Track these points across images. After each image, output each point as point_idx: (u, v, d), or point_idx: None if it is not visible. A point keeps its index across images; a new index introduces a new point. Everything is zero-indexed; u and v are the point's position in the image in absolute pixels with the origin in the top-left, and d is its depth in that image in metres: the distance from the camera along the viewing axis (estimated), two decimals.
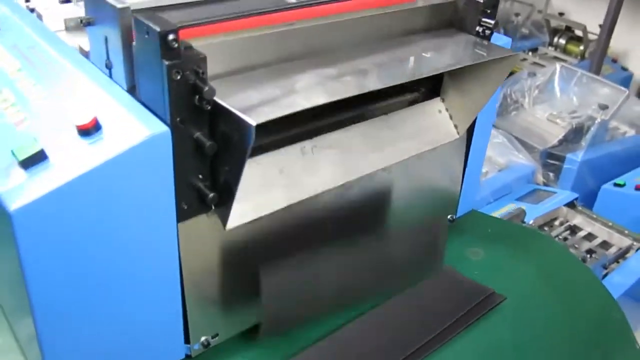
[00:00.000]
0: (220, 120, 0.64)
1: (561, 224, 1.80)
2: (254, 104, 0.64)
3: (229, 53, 0.70)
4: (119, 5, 0.64)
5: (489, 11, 0.89)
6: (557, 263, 1.10)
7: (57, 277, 0.61)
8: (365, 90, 0.69)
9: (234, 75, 0.71)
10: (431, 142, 0.96)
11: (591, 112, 2.28)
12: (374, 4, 0.89)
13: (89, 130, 0.61)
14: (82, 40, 0.89)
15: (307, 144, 0.82)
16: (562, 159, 2.20)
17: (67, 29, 0.95)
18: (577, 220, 1.80)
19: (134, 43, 0.64)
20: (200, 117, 0.63)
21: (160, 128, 0.62)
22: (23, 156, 0.58)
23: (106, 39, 0.69)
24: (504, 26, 3.39)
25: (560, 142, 2.23)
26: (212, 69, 0.63)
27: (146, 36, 0.60)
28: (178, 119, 0.62)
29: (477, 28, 0.90)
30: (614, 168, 2.25)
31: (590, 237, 1.74)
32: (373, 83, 0.70)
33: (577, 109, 2.37)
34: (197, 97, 0.62)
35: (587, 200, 2.14)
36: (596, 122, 2.22)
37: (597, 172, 2.23)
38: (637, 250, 1.66)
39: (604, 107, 2.23)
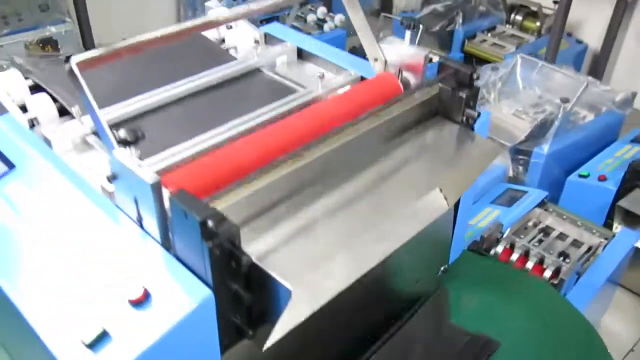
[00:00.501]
0: (256, 273, 0.72)
1: (535, 225, 1.94)
2: (288, 261, 0.73)
3: (251, 204, 0.77)
4: (151, 182, 0.70)
5: (471, 103, 0.97)
6: (542, 302, 1.23)
7: None
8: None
9: (256, 220, 0.78)
10: (426, 219, 1.05)
11: (555, 103, 2.40)
12: (368, 103, 0.96)
13: (141, 302, 0.68)
14: (90, 160, 0.95)
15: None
16: (529, 154, 2.33)
17: (75, 148, 0.99)
18: (549, 220, 1.94)
19: (169, 215, 0.70)
20: (237, 275, 0.71)
21: (205, 292, 0.69)
22: (89, 339, 0.65)
23: (136, 200, 0.75)
24: (462, 9, 3.46)
25: (527, 137, 2.35)
26: (236, 219, 0.70)
27: (185, 218, 0.66)
28: (219, 282, 0.69)
29: (462, 118, 0.98)
30: (579, 155, 2.40)
31: (562, 236, 1.89)
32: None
33: (540, 100, 2.49)
34: (234, 262, 0.69)
35: (556, 191, 2.28)
36: (559, 115, 2.34)
37: (563, 162, 2.37)
38: (604, 247, 1.82)
39: (565, 101, 2.36)
